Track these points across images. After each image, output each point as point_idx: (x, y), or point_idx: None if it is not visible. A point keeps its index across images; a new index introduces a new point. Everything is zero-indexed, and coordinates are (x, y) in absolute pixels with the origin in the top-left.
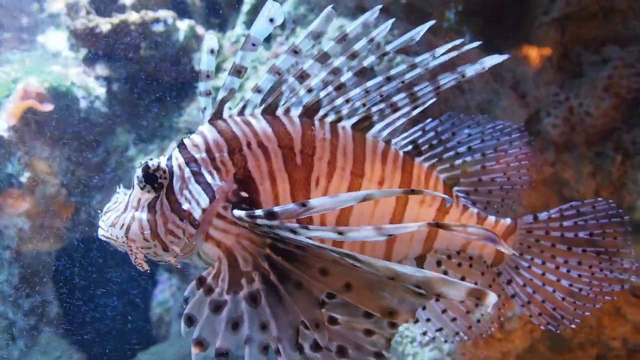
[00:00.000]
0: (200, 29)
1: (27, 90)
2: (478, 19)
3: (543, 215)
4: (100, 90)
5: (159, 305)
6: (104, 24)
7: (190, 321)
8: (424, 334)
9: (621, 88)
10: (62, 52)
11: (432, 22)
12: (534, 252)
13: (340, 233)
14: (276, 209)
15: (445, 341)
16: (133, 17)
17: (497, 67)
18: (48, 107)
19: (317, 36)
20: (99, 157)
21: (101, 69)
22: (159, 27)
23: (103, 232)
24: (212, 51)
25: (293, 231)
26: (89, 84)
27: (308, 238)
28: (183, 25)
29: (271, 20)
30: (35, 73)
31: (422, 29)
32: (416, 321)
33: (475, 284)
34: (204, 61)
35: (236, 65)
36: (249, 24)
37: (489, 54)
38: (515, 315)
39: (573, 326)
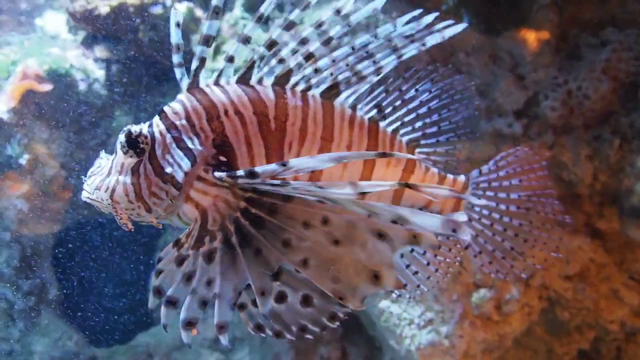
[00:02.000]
0: (198, 11)
1: (26, 73)
2: (476, 2)
3: (485, 168)
4: (99, 73)
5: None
6: (103, 6)
7: (160, 274)
8: (390, 291)
9: (619, 71)
10: (60, 34)
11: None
12: (483, 205)
13: (319, 188)
14: (257, 168)
15: (409, 297)
16: None
17: (496, 50)
18: (47, 89)
19: (279, 4)
20: (98, 139)
21: (100, 51)
22: (157, 9)
23: (88, 195)
24: (178, 24)
25: (273, 186)
26: (88, 66)
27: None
28: (181, 7)
29: None
30: (34, 55)
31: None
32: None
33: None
34: (173, 34)
35: (204, 35)
36: (246, 6)
37: (488, 37)
38: (513, 298)
39: (524, 276)
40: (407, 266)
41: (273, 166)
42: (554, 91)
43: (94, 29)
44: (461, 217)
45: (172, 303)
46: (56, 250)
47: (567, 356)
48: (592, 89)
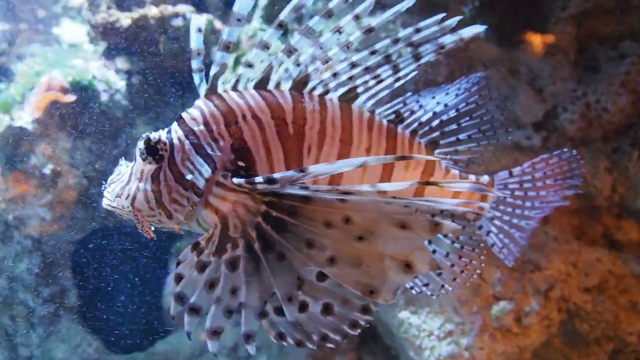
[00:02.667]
0: (218, 23)
1: (51, 84)
2: (493, 14)
3: (516, 170)
4: (121, 84)
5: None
6: (124, 19)
7: (180, 280)
8: (411, 288)
9: (638, 84)
10: (80, 44)
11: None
12: (507, 203)
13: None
14: (276, 175)
15: (432, 295)
16: (153, 11)
17: (514, 63)
18: (71, 100)
19: (299, 9)
20: (119, 148)
21: (121, 63)
22: (177, 22)
23: (109, 202)
24: (199, 29)
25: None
26: (110, 78)
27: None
28: (201, 19)
29: None
30: (57, 67)
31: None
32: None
33: (458, 238)
34: (193, 40)
35: (224, 41)
36: (265, 18)
37: (505, 50)
38: (533, 311)
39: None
40: None
41: (291, 172)
42: (573, 104)
43: (116, 41)
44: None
45: (196, 310)
46: (76, 258)
47: None
48: (610, 101)
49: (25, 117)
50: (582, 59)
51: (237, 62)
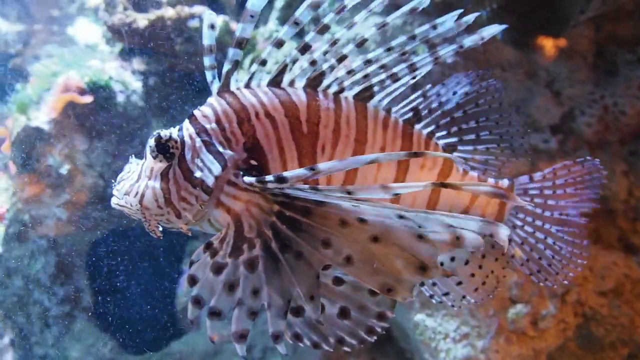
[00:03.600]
0: (234, 25)
1: (67, 85)
2: (511, 17)
3: (537, 175)
4: (137, 85)
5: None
6: (141, 20)
7: (193, 282)
8: (431, 297)
9: None
10: (95, 45)
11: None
12: (528, 211)
13: (348, 192)
14: (286, 173)
15: (452, 305)
16: (169, 12)
17: (532, 65)
18: (88, 101)
19: (316, 6)
20: (135, 149)
21: (138, 64)
22: (194, 23)
23: (117, 201)
24: (212, 26)
25: (303, 191)
26: (126, 78)
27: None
28: (217, 20)
29: None
30: (74, 67)
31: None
32: (422, 284)
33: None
34: (205, 36)
35: (237, 38)
36: (282, 20)
37: (523, 52)
38: (549, 314)
39: (566, 282)
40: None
41: (302, 170)
42: (590, 107)
43: (132, 42)
44: (503, 229)
45: (217, 314)
46: (92, 258)
47: None
48: (628, 105)
49: (42, 118)
50: (600, 62)
51: (252, 64)
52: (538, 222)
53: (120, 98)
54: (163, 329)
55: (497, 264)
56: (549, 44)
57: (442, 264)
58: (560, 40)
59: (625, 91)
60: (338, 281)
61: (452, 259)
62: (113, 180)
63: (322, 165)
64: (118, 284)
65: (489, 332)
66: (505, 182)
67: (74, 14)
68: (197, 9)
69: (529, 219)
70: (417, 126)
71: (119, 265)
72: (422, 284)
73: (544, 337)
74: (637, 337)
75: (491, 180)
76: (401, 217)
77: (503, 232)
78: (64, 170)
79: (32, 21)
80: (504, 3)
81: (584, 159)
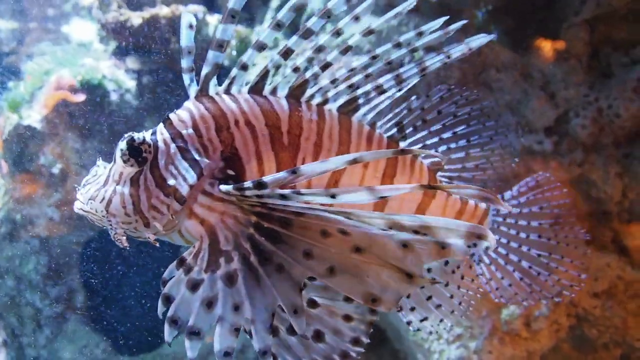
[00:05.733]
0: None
1: (60, 83)
2: (507, 18)
3: (507, 195)
4: (131, 83)
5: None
6: (135, 18)
7: (168, 301)
8: (408, 323)
9: None
10: (89, 43)
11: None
12: (501, 232)
13: (332, 196)
14: (265, 178)
15: (430, 332)
16: (164, 11)
17: (527, 67)
18: (81, 99)
19: (298, 9)
20: None
21: (131, 62)
22: None
23: (80, 206)
24: (190, 26)
25: (284, 197)
26: (120, 77)
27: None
28: (212, 19)
29: None
30: (67, 65)
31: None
32: (399, 309)
33: (447, 262)
34: (183, 37)
35: (217, 39)
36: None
37: (518, 54)
38: (543, 315)
39: (525, 304)
40: (429, 298)
41: (282, 174)
42: (585, 109)
43: (126, 40)
44: (491, 237)
45: (196, 334)
46: (84, 258)
47: None
48: (622, 107)
49: (34, 116)
50: (595, 64)
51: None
52: (513, 244)
53: (114, 97)
54: (156, 329)
55: (473, 285)
56: (544, 46)
57: (429, 270)
58: (555, 42)
59: (619, 93)
60: (313, 304)
61: (429, 270)
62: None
63: (304, 167)
64: (111, 284)
65: (482, 333)
66: (483, 205)
67: (68, 12)
68: (192, 7)
69: (503, 240)
70: (403, 144)
71: (112, 265)
72: (400, 309)
73: (537, 338)
74: (630, 338)
75: (472, 202)
76: (390, 227)
77: (491, 237)
78: (56, 169)
79: (26, 19)
80: (500, 4)
81: (536, 174)
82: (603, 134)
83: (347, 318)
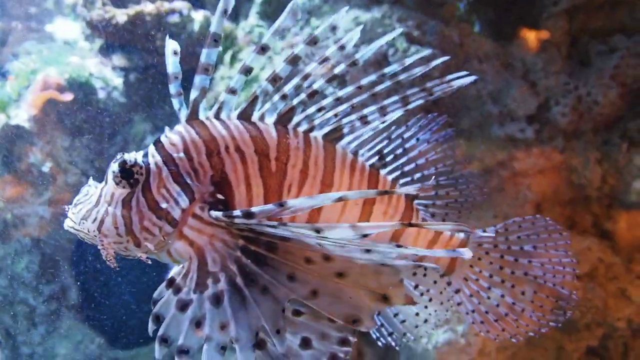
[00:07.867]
0: None
1: (47, 82)
2: (488, 9)
3: (490, 229)
4: (118, 81)
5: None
6: (120, 15)
7: (158, 320)
8: (377, 339)
9: (627, 77)
10: (75, 41)
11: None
12: (482, 265)
13: (317, 231)
14: (254, 209)
15: (396, 345)
16: (149, 8)
17: (508, 57)
18: (68, 98)
19: (283, 31)
20: (117, 145)
21: (118, 60)
22: (174, 18)
23: (72, 225)
24: (175, 53)
25: (271, 227)
26: (107, 75)
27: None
28: (198, 15)
29: (225, 12)
30: (54, 64)
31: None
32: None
33: (428, 290)
34: (169, 64)
35: (203, 64)
36: (262, 14)
37: (499, 44)
38: None
39: (514, 340)
40: (396, 315)
41: (270, 206)
42: (565, 97)
43: (112, 38)
44: (467, 253)
45: (186, 352)
46: (76, 256)
47: (576, 353)
48: (601, 94)
49: (22, 115)
50: (574, 52)
51: (233, 59)
52: (495, 278)
53: (101, 95)
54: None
55: (442, 307)
56: (524, 36)
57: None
58: (535, 32)
59: (597, 81)
60: (297, 313)
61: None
62: (97, 177)
63: (292, 202)
64: (104, 280)
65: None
66: (461, 235)
67: (51, 10)
68: (178, 4)
69: (485, 273)
70: (383, 172)
71: (105, 261)
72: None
73: None
74: (611, 318)
75: (447, 233)
76: (367, 251)
77: (466, 252)
78: (46, 168)
79: (9, 18)
80: None
81: (534, 216)
82: (582, 121)
83: (333, 320)
